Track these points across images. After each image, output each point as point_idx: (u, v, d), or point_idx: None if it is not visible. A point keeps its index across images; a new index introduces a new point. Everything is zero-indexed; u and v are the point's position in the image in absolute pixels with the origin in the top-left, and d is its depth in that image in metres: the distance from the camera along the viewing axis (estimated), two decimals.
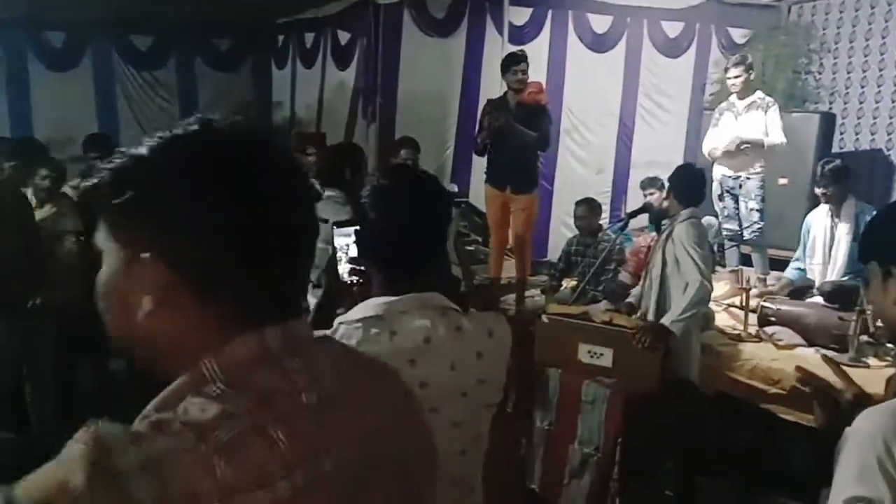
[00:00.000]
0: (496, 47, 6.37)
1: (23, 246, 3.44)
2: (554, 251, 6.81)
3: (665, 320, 3.06)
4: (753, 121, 5.11)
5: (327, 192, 3.15)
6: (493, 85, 6.42)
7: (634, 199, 7.11)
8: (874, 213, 4.25)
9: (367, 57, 6.16)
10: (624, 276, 4.20)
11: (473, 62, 6.41)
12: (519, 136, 4.77)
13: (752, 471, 3.53)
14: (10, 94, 6.60)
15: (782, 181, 5.83)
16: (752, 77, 5.26)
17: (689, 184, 3.35)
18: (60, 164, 4.06)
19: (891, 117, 6.51)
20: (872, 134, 6.57)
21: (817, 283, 4.09)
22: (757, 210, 5.10)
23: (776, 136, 5.05)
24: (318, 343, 0.85)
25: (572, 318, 3.16)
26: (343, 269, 1.65)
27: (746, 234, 5.21)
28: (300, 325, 0.80)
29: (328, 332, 1.35)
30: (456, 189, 6.20)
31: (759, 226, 5.09)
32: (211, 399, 0.68)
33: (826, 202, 4.14)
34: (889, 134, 6.51)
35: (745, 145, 5.08)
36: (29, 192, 3.85)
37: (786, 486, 3.51)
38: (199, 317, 0.74)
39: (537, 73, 5.95)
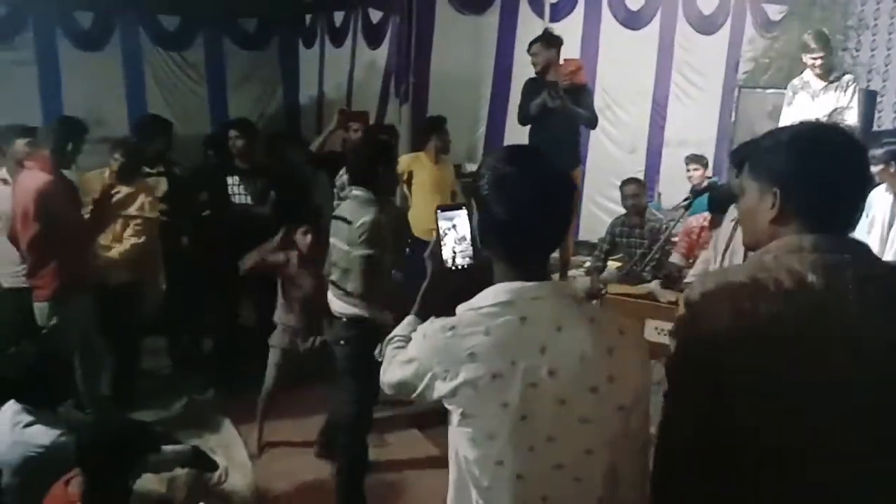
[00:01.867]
0: (530, 25, 6.30)
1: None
2: (586, 232, 6.76)
3: None
4: (833, 102, 4.99)
5: (354, 191, 3.06)
6: (526, 63, 6.36)
7: (668, 179, 7.05)
8: None
9: (399, 35, 6.09)
10: (675, 258, 4.15)
11: (507, 40, 6.34)
12: (570, 116, 4.77)
13: None
14: (40, 75, 6.55)
15: None
16: (831, 57, 5.09)
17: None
18: (136, 145, 4.08)
19: (882, 96, 6.39)
20: None
21: None
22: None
23: (851, 118, 4.90)
24: None
25: (638, 297, 3.12)
26: (447, 253, 1.61)
27: None
28: None
29: (449, 319, 1.34)
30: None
31: None
32: None
33: (880, 182, 4.07)
34: (879, 113, 6.38)
35: None
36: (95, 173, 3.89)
37: None
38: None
39: (571, 50, 5.88)
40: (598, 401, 1.29)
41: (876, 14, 6.86)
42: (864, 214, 4.21)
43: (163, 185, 4.31)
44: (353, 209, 3.00)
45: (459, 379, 1.28)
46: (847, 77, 5.05)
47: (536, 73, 5.11)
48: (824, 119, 4.89)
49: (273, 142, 4.82)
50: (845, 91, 4.92)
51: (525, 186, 1.31)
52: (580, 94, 4.87)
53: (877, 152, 4.08)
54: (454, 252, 1.61)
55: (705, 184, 4.27)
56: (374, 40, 6.56)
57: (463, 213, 1.63)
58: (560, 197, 1.36)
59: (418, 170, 4.80)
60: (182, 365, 4.69)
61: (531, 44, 5.15)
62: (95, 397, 3.73)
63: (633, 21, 6.72)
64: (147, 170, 4.25)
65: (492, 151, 1.48)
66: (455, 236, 1.62)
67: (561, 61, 5.06)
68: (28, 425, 2.52)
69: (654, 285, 3.61)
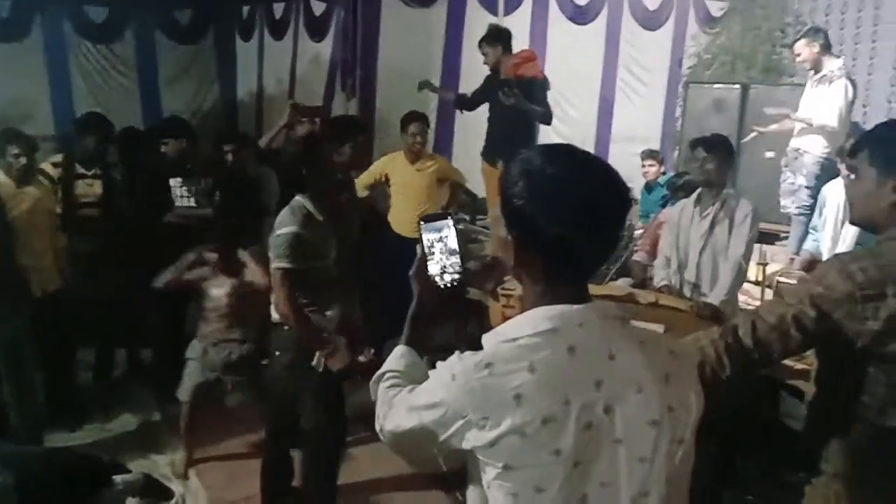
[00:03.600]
0: (478, 18, 6.19)
1: None
2: None
3: (712, 299, 2.97)
4: (818, 95, 5.03)
5: (296, 196, 2.84)
6: (474, 57, 6.24)
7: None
8: None
9: (345, 28, 5.89)
10: (640, 256, 4.10)
11: (455, 33, 6.21)
12: (523, 112, 4.68)
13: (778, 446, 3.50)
14: None
15: (769, 154, 5.84)
16: (817, 49, 5.08)
17: (730, 149, 3.28)
18: (32, 140, 3.72)
19: (867, 90, 6.56)
20: None
21: (825, 256, 4.07)
22: (805, 187, 5.03)
23: (825, 118, 4.92)
24: None
25: (618, 299, 3.03)
26: (434, 269, 1.42)
27: (791, 209, 5.15)
28: None
29: (479, 354, 1.13)
30: None
31: (804, 203, 5.04)
32: None
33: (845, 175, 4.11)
34: (865, 106, 6.56)
35: (799, 125, 5.02)
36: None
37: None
38: None
39: (519, 45, 5.79)
40: (657, 436, 1.13)
41: (812, 11, 7.02)
42: (818, 211, 4.31)
43: (97, 189, 4.00)
44: (281, 217, 2.78)
45: (503, 427, 1.07)
46: (836, 71, 5.06)
47: (490, 70, 5.04)
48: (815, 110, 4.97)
49: (218, 140, 4.54)
50: (830, 85, 4.97)
51: (578, 194, 1.10)
52: (532, 88, 4.78)
53: (847, 146, 4.11)
54: (442, 268, 1.43)
55: (682, 181, 4.22)
56: (317, 33, 6.33)
57: (450, 223, 1.43)
58: (618, 205, 1.15)
59: (393, 171, 4.61)
60: (121, 378, 4.37)
61: (479, 42, 5.09)
62: (28, 421, 3.41)
63: (580, 16, 6.70)
64: (83, 171, 3.93)
65: (527, 152, 1.18)
66: (442, 250, 1.46)
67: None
68: None
69: (620, 283, 3.55)
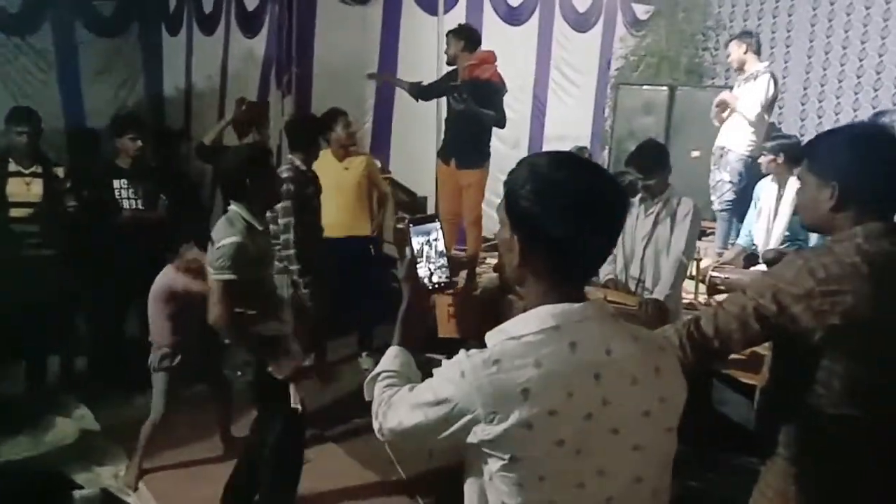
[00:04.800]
0: (415, 16, 6.20)
1: None
2: None
3: (657, 294, 3.09)
4: (744, 92, 5.24)
5: (231, 206, 2.80)
6: (411, 56, 6.26)
7: None
8: None
9: (279, 24, 5.77)
10: None
11: (391, 32, 6.18)
12: (477, 117, 4.73)
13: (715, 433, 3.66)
14: None
15: (695, 153, 6.09)
16: (745, 50, 5.32)
17: (664, 159, 3.39)
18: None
19: (782, 92, 6.92)
20: None
21: (759, 249, 4.29)
22: (728, 182, 5.23)
23: (748, 109, 5.13)
24: None
25: None
26: (423, 272, 1.48)
27: (715, 205, 5.34)
28: None
29: (486, 351, 1.19)
30: (378, 164, 5.99)
31: (727, 198, 5.24)
32: None
33: (767, 172, 4.33)
34: (780, 108, 6.92)
35: (724, 115, 5.20)
36: None
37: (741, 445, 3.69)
38: None
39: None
40: (650, 425, 1.21)
41: (731, 16, 7.38)
42: (753, 204, 4.53)
43: (36, 188, 3.80)
44: (219, 227, 2.75)
45: (511, 420, 1.13)
46: (760, 67, 5.29)
47: (447, 63, 5.09)
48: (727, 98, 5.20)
49: (160, 139, 4.40)
50: (755, 80, 5.21)
51: (582, 197, 1.18)
52: (486, 90, 4.83)
53: (767, 145, 4.34)
54: (431, 270, 1.49)
55: (626, 181, 4.34)
56: (249, 28, 6.17)
57: (437, 226, 1.52)
58: (619, 207, 1.23)
59: (321, 171, 4.57)
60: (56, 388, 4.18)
61: (447, 33, 5.16)
62: None
63: (513, 17, 6.80)
64: (19, 169, 3.73)
65: (531, 158, 1.28)
66: (431, 252, 1.50)
67: None
68: None
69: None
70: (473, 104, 4.75)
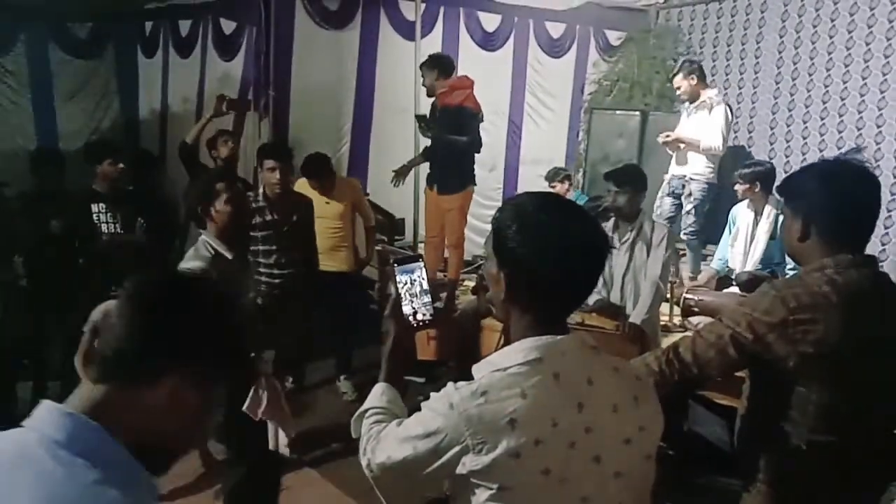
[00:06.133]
0: (391, 41, 6.26)
1: None
2: None
3: (634, 319, 3.14)
4: (698, 121, 5.33)
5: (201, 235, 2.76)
6: (388, 80, 6.32)
7: None
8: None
9: (257, 48, 5.80)
10: None
11: (368, 56, 6.24)
12: (448, 144, 4.79)
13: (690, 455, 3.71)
14: None
15: (667, 177, 6.18)
16: (695, 81, 5.43)
17: (640, 179, 3.46)
18: None
19: (751, 117, 7.10)
20: (735, 132, 7.10)
21: (735, 272, 4.38)
22: (692, 213, 5.30)
23: (711, 139, 5.23)
24: None
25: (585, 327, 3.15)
26: (408, 310, 1.53)
27: (682, 235, 5.41)
28: None
29: (474, 383, 1.22)
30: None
31: (692, 228, 5.31)
32: None
33: (743, 198, 4.43)
34: (750, 132, 7.09)
35: (682, 145, 5.28)
36: None
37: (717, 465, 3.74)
38: None
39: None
40: (630, 452, 1.26)
41: (702, 42, 7.54)
42: (728, 229, 4.62)
43: None
44: (188, 255, 2.69)
45: (499, 450, 1.17)
46: (714, 97, 5.41)
47: (427, 95, 5.17)
48: (684, 134, 5.29)
49: (138, 162, 4.38)
50: (710, 111, 5.32)
51: (566, 238, 1.23)
52: (457, 117, 4.89)
53: (743, 172, 4.44)
54: (415, 308, 1.54)
55: (600, 207, 4.41)
56: (227, 52, 6.19)
57: (421, 265, 1.58)
58: (600, 249, 1.28)
59: None
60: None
61: (420, 66, 5.22)
62: None
63: (488, 42, 6.90)
64: None
65: (518, 199, 1.33)
66: (415, 291, 1.55)
67: None
68: None
69: None
70: (440, 132, 4.82)
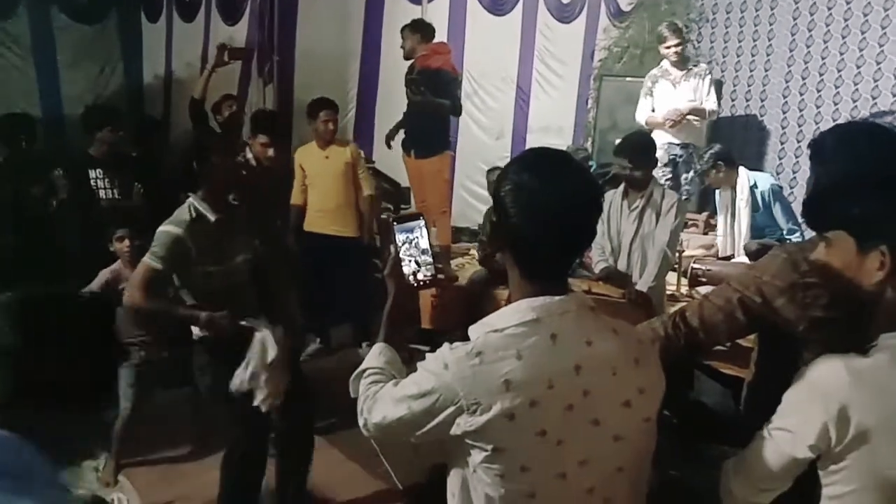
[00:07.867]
0: (398, 4, 6.16)
1: None
2: (457, 217, 6.76)
3: (640, 286, 3.10)
4: (692, 89, 5.24)
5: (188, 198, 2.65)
6: (395, 44, 6.21)
7: None
8: (768, 180, 4.58)
9: (261, 11, 5.72)
10: None
11: (374, 19, 6.15)
12: (430, 106, 4.71)
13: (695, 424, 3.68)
14: None
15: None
16: (686, 46, 5.35)
17: (653, 152, 3.40)
18: None
19: (763, 85, 6.96)
20: (747, 100, 6.98)
21: (725, 252, 4.35)
22: (698, 178, 5.27)
23: (711, 103, 5.23)
24: None
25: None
26: (408, 269, 1.49)
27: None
28: None
29: (469, 344, 1.20)
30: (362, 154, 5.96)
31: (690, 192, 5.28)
32: None
33: (717, 186, 4.40)
34: (762, 101, 6.96)
35: (692, 117, 5.22)
36: None
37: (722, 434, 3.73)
38: None
39: (439, 35, 5.81)
40: (629, 415, 1.23)
41: (714, 8, 7.37)
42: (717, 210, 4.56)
43: None
44: (173, 215, 2.60)
45: (493, 411, 1.14)
46: (703, 66, 5.36)
47: (404, 58, 5.03)
48: (686, 105, 5.19)
49: (142, 128, 4.33)
50: (703, 79, 5.22)
51: (552, 197, 1.20)
52: (438, 80, 4.80)
53: (704, 159, 4.39)
54: (416, 267, 1.50)
55: (609, 175, 4.39)
56: (230, 16, 6.12)
57: (421, 223, 1.52)
58: (590, 206, 1.25)
59: (306, 161, 4.50)
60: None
61: (401, 29, 5.09)
62: None
63: (497, 7, 6.77)
64: None
65: (516, 158, 1.32)
66: (415, 250, 1.50)
67: None
68: None
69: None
70: (427, 95, 4.73)
